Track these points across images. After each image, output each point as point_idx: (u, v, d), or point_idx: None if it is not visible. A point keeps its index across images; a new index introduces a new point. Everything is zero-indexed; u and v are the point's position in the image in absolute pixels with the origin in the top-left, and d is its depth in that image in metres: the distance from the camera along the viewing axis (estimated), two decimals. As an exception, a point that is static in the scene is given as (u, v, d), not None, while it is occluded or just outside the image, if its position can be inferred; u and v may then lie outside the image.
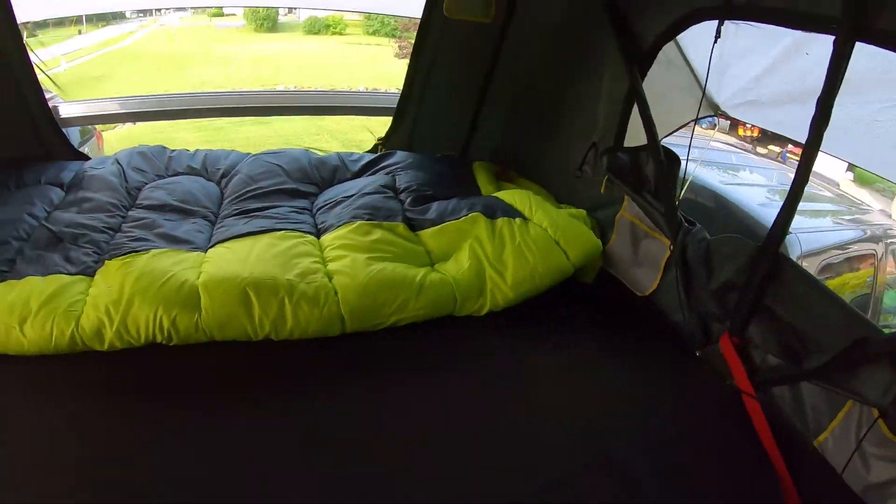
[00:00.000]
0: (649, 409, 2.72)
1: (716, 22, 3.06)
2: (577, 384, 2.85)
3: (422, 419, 2.59)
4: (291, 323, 2.91)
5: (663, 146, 3.37)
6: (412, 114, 5.10)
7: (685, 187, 3.57)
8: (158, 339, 2.85)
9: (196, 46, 20.61)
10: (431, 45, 4.70)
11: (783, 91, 3.42)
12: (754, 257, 2.68)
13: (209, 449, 2.38)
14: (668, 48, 3.49)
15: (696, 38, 3.37)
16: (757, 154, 8.33)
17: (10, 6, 4.15)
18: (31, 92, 4.48)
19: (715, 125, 4.58)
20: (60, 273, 3.12)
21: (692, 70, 3.63)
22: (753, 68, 3.45)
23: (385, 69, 17.42)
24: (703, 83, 3.40)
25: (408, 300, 3.08)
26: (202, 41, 21.27)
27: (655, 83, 3.52)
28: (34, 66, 4.44)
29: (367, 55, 20.56)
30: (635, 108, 3.52)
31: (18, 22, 4.18)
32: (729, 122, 9.98)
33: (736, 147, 7.49)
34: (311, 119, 11.89)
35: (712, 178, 4.93)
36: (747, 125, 10.43)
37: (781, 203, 2.57)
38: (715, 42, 3.07)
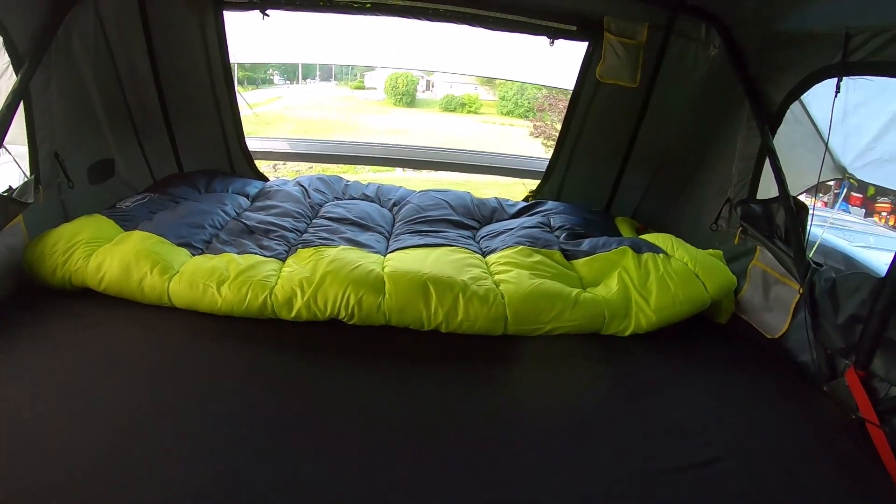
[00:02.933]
0: (774, 432, 2.83)
1: (835, 81, 3.27)
2: (708, 405, 3.01)
3: (570, 413, 2.85)
4: (462, 316, 3.29)
5: (792, 196, 3.59)
6: (562, 171, 5.53)
7: (814, 250, 3.69)
8: (342, 314, 3.29)
9: (338, 114, 21.20)
10: (582, 108, 5.11)
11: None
12: (876, 289, 2.79)
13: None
14: (796, 109, 3.76)
15: (820, 97, 3.54)
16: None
17: (227, 48, 4.85)
18: (229, 119, 5.26)
19: (847, 207, 4.54)
20: (255, 254, 3.68)
21: (818, 131, 3.80)
22: (873, 128, 3.56)
23: (518, 147, 17.38)
24: (825, 138, 3.55)
25: (564, 311, 3.41)
26: (344, 110, 21.82)
27: (784, 141, 3.79)
28: (237, 101, 5.20)
29: (500, 134, 20.67)
30: (766, 166, 3.80)
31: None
32: (864, 211, 9.90)
33: (865, 223, 7.31)
34: (447, 179, 12.28)
35: (843, 243, 4.97)
36: (883, 214, 10.28)
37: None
38: (836, 96, 3.25)
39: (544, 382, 3.11)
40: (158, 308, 3.39)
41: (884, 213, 10.37)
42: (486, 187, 9.68)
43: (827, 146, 3.61)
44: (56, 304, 3.34)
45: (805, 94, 3.68)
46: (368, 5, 4.63)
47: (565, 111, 5.43)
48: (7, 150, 3.40)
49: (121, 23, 4.36)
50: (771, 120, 3.84)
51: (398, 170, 13.61)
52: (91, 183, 4.26)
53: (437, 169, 7.21)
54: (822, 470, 2.59)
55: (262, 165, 5.93)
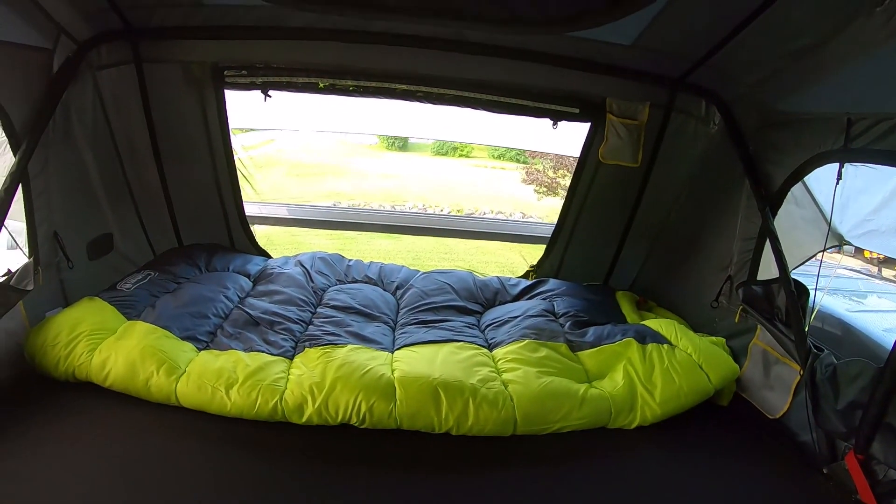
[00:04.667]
0: None
1: (836, 166, 3.36)
2: (712, 495, 3.08)
3: None
4: (472, 420, 3.29)
5: (793, 278, 3.65)
6: (562, 247, 5.57)
7: (813, 315, 3.74)
8: (353, 420, 3.27)
9: (330, 158, 21.00)
10: (584, 187, 5.16)
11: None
12: (876, 378, 2.89)
13: None
14: (796, 187, 3.81)
15: (821, 178, 3.64)
16: (883, 278, 8.15)
17: (227, 124, 4.86)
18: (228, 193, 5.24)
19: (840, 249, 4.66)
20: (262, 352, 3.66)
21: (818, 206, 3.86)
22: (871, 202, 3.63)
23: (510, 193, 17.56)
24: (828, 218, 3.63)
25: (571, 410, 3.44)
26: (336, 154, 21.65)
27: (785, 219, 3.85)
28: (237, 176, 5.19)
29: (491, 178, 20.66)
30: (767, 244, 3.86)
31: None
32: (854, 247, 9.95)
33: (861, 272, 7.39)
34: (438, 238, 12.31)
35: (839, 305, 4.95)
36: (873, 250, 10.33)
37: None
38: (837, 183, 3.36)
39: (553, 483, 3.11)
40: (165, 407, 3.35)
41: (873, 250, 10.40)
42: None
43: (829, 226, 3.70)
44: (59, 399, 3.30)
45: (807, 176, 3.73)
46: (371, 89, 4.67)
47: (568, 187, 5.48)
48: (6, 228, 3.36)
49: (119, 98, 4.37)
50: (772, 201, 3.89)
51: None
52: (90, 259, 4.24)
53: (437, 235, 7.23)
54: None
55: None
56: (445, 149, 22.65)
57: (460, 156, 22.69)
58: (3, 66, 3.29)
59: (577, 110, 4.74)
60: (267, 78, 4.65)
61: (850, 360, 3.15)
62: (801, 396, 3.40)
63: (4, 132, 3.38)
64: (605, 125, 4.68)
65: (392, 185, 18.27)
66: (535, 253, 5.90)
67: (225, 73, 4.60)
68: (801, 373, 3.40)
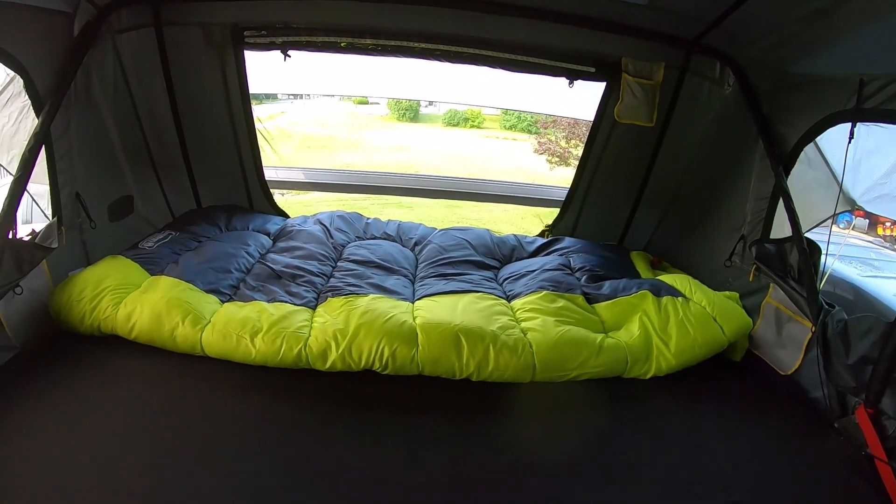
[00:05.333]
0: (789, 471, 2.95)
1: (849, 125, 3.37)
2: (724, 446, 3.12)
3: (593, 461, 2.94)
4: (492, 366, 3.34)
5: (805, 237, 3.67)
6: (577, 207, 5.61)
7: (824, 280, 3.74)
8: (376, 366, 3.33)
9: (341, 130, 20.82)
10: (599, 146, 5.18)
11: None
12: (886, 333, 2.91)
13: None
14: (809, 149, 3.82)
15: (833, 139, 3.64)
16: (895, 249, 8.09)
17: (247, 85, 4.89)
18: (248, 155, 5.28)
19: (852, 224, 4.60)
20: (285, 302, 3.72)
21: (830, 168, 3.85)
22: (883, 164, 3.62)
23: (522, 163, 17.20)
24: (839, 180, 3.62)
25: (589, 358, 3.49)
26: (347, 126, 21.39)
27: (797, 180, 3.86)
28: (257, 136, 5.21)
29: (503, 149, 20.40)
30: (780, 205, 3.88)
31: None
32: (867, 221, 9.94)
33: (874, 243, 7.37)
34: (448, 207, 12.24)
35: (851, 272, 4.93)
36: (887, 224, 10.33)
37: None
38: (849, 142, 3.36)
39: (570, 430, 3.17)
40: (190, 358, 3.41)
41: (887, 224, 10.38)
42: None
43: (841, 188, 3.69)
44: (84, 352, 3.37)
45: (819, 137, 3.74)
46: (390, 48, 4.68)
47: (583, 149, 5.52)
48: (28, 192, 3.38)
49: (140, 61, 4.39)
50: (784, 161, 3.90)
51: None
52: (111, 220, 4.30)
53: (452, 198, 7.22)
54: None
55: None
56: (457, 119, 22.39)
57: (472, 126, 22.37)
58: (26, 29, 3.33)
59: (592, 69, 4.77)
60: (287, 38, 4.67)
61: (861, 316, 3.17)
62: (813, 354, 3.43)
63: (28, 94, 3.42)
64: (620, 85, 4.67)
65: (404, 156, 18.04)
66: (552, 218, 5.94)
67: (245, 33, 4.61)
68: (813, 329, 3.43)
